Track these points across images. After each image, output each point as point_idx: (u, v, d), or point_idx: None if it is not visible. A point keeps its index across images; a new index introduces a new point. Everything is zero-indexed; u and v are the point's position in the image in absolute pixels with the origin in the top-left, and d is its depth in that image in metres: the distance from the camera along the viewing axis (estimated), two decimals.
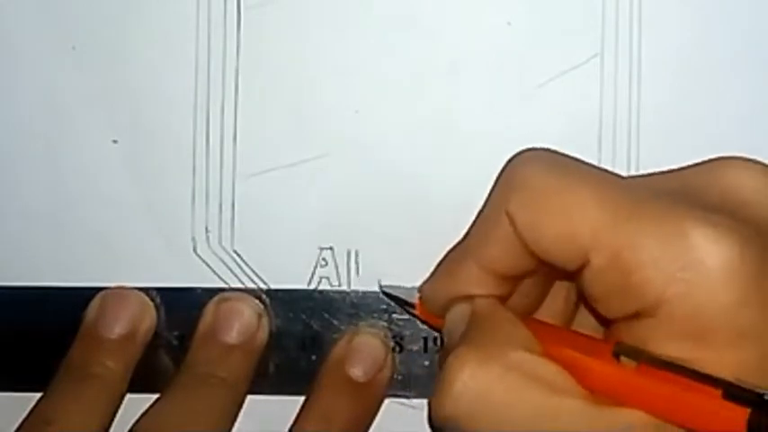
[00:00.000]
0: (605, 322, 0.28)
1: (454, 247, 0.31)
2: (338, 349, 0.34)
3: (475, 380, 0.26)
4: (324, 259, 0.35)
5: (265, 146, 0.35)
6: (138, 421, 0.33)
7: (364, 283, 0.35)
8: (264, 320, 0.35)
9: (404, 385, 0.35)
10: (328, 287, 0.35)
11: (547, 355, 0.27)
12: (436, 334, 0.35)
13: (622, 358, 0.26)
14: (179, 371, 0.34)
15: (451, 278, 0.30)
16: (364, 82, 0.35)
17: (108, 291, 0.35)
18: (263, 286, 0.35)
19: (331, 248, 0.35)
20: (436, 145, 0.35)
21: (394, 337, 0.35)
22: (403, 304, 0.34)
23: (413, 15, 0.35)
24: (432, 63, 0.35)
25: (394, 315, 0.35)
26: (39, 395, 0.33)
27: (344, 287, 0.35)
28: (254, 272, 0.36)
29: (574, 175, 0.27)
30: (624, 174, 0.34)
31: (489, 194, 0.29)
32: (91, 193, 0.36)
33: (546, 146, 0.35)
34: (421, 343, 0.35)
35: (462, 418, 0.26)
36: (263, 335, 0.35)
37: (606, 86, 0.35)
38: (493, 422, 0.26)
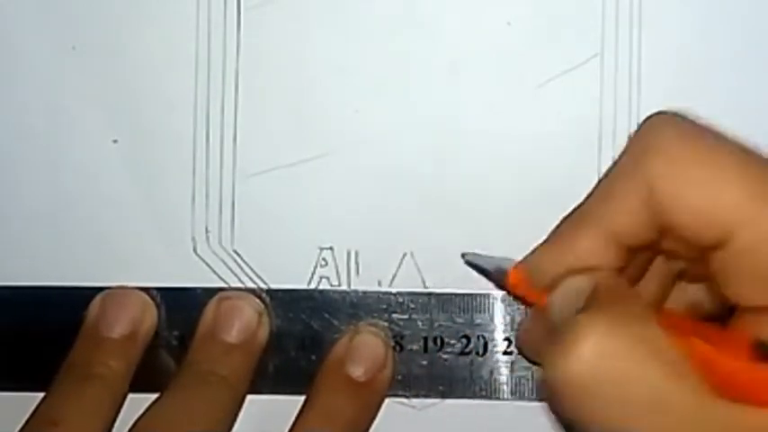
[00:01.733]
0: (729, 308, 0.27)
1: (572, 212, 0.29)
2: (338, 349, 0.34)
3: (602, 345, 0.24)
4: (324, 259, 0.35)
5: (265, 146, 0.35)
6: (138, 420, 0.32)
7: (364, 283, 0.35)
8: (265, 319, 0.35)
9: (404, 385, 0.35)
10: (328, 287, 0.35)
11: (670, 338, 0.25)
12: (436, 334, 0.35)
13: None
14: (180, 370, 0.34)
15: (569, 247, 0.28)
16: (364, 82, 0.35)
17: (109, 290, 0.35)
18: (263, 286, 0.35)
19: (331, 248, 0.35)
20: (436, 145, 0.35)
21: (394, 336, 0.35)
22: (489, 276, 0.33)
23: (413, 15, 0.35)
24: (432, 63, 0.35)
25: (394, 315, 0.35)
26: (39, 395, 0.33)
27: (344, 287, 0.35)
28: (254, 272, 0.36)
29: (719, 146, 0.26)
30: None
31: (621, 157, 0.28)
32: (91, 193, 0.36)
33: (550, 144, 0.35)
34: (421, 343, 0.35)
35: (580, 383, 0.24)
36: (263, 333, 0.35)
37: (606, 86, 0.35)
38: (610, 394, 0.24)
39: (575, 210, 0.29)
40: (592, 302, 0.26)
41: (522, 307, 0.35)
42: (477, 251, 0.34)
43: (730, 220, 0.25)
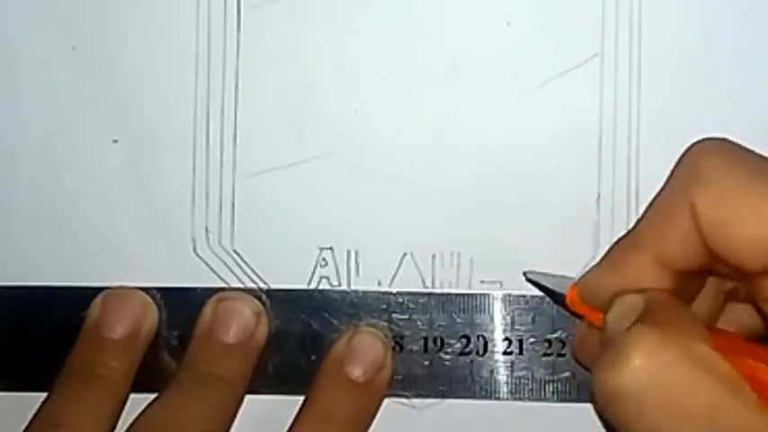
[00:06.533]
0: None
1: (624, 237, 0.29)
2: (337, 348, 0.34)
3: (655, 357, 0.24)
4: (324, 259, 0.35)
5: (265, 146, 0.35)
6: (135, 420, 0.33)
7: (364, 283, 0.35)
8: (263, 320, 0.35)
9: (404, 385, 0.35)
10: (328, 287, 0.35)
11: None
12: (436, 334, 0.35)
13: None
14: (178, 370, 0.34)
15: (621, 270, 0.29)
16: (364, 82, 0.35)
17: (110, 290, 0.35)
18: (263, 286, 0.35)
19: (331, 248, 0.35)
20: (436, 145, 0.35)
21: (394, 337, 0.35)
22: (550, 293, 0.33)
23: (413, 15, 0.35)
24: (432, 63, 0.35)
25: (394, 315, 0.35)
26: (40, 395, 0.33)
27: (344, 287, 0.35)
28: (254, 272, 0.36)
29: (764, 171, 0.26)
30: (625, 174, 0.35)
31: (667, 183, 0.28)
32: (91, 193, 0.36)
33: (550, 144, 0.35)
34: (421, 343, 0.35)
35: (633, 394, 0.24)
36: (261, 334, 0.35)
37: (606, 86, 0.35)
38: (663, 407, 0.24)
39: (626, 234, 0.29)
40: (645, 317, 0.26)
41: (524, 308, 0.35)
42: (475, 250, 0.35)
43: None
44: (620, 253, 0.29)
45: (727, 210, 0.26)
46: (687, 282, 0.29)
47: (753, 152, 0.27)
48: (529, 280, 0.34)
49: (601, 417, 0.33)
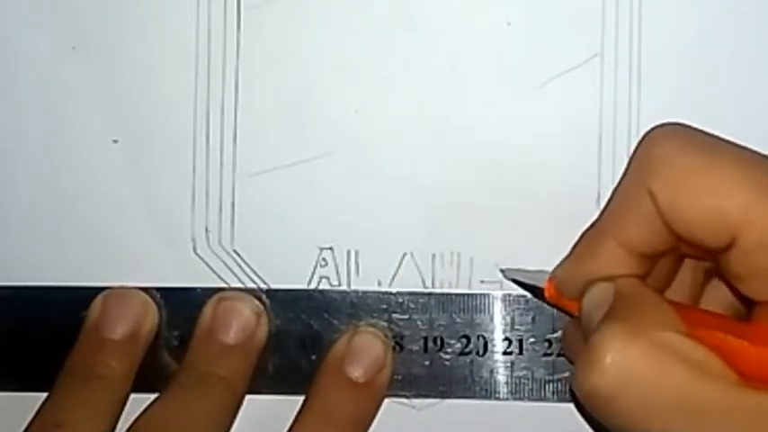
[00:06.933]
0: (748, 303, 0.28)
1: (590, 227, 0.30)
2: (337, 348, 0.34)
3: (623, 356, 0.25)
4: (324, 259, 0.35)
5: (265, 146, 0.35)
6: (136, 421, 0.33)
7: (364, 283, 0.35)
8: (263, 320, 0.35)
9: (404, 385, 0.35)
10: (328, 287, 0.35)
11: (693, 337, 0.26)
12: (436, 334, 0.35)
13: None
14: (178, 371, 0.34)
15: (590, 259, 0.30)
16: (364, 82, 0.35)
17: (110, 291, 0.35)
18: (263, 286, 0.35)
19: (331, 248, 0.35)
20: (436, 145, 0.35)
21: (394, 336, 0.35)
22: (528, 289, 0.34)
23: (413, 15, 0.35)
24: (432, 63, 0.35)
25: (394, 315, 0.35)
26: (40, 395, 0.33)
27: (344, 287, 0.35)
28: (254, 272, 0.36)
29: (716, 153, 0.27)
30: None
31: (626, 172, 0.29)
32: (91, 193, 0.36)
33: (550, 144, 0.35)
34: (421, 343, 0.35)
35: (607, 394, 0.25)
36: (261, 334, 0.35)
37: (606, 86, 0.35)
38: (638, 401, 0.25)
39: (592, 223, 0.30)
40: (612, 311, 0.27)
41: (524, 308, 0.35)
42: (475, 250, 0.35)
43: (736, 224, 0.26)
44: (587, 242, 0.30)
45: (682, 193, 0.27)
46: (661, 264, 0.30)
47: (707, 135, 0.28)
48: (507, 278, 0.34)
49: (581, 413, 0.34)
